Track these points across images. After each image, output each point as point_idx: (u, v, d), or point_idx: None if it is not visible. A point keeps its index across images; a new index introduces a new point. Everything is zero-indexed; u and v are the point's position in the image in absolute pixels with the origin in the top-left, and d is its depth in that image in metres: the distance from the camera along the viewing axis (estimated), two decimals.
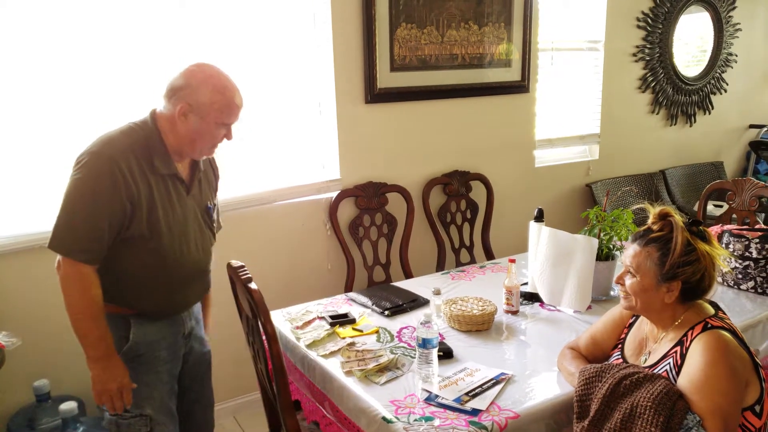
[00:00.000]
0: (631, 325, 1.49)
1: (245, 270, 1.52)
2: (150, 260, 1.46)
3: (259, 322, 1.46)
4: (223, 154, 2.41)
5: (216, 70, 1.45)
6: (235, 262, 1.56)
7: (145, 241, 1.43)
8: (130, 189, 1.38)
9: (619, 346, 1.48)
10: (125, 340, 1.48)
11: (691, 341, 1.26)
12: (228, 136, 1.50)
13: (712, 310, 1.34)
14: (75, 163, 1.38)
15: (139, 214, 1.40)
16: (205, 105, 1.41)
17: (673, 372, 1.27)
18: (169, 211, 1.46)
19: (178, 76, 1.44)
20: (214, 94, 1.41)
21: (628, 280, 1.36)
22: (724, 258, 1.36)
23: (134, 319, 1.50)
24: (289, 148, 2.58)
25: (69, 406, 1.91)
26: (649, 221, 1.37)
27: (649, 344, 1.40)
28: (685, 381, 1.23)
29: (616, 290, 1.99)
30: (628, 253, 1.37)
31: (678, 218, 1.32)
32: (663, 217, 1.35)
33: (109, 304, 1.46)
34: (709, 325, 1.27)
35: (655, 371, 1.30)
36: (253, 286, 1.45)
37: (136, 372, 1.49)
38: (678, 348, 1.29)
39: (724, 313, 1.36)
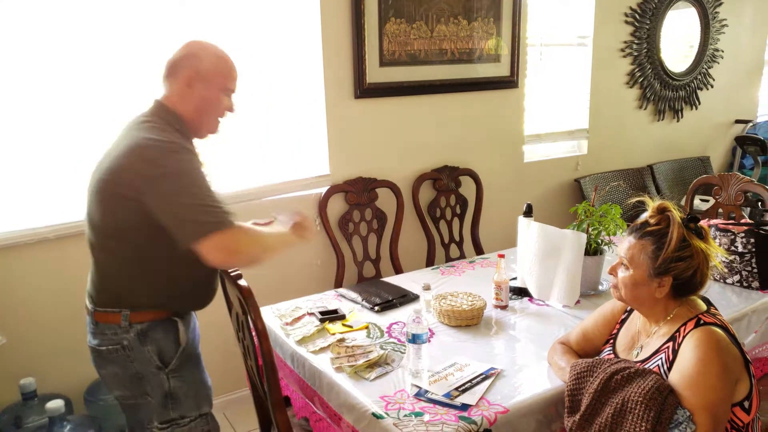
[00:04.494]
0: (623, 321, 1.50)
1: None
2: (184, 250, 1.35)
3: (249, 319, 1.46)
4: (212, 149, 2.40)
5: (209, 43, 1.47)
6: None
7: None
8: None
9: (611, 341, 1.49)
10: (177, 344, 1.45)
11: (684, 337, 1.27)
12: (230, 107, 1.51)
13: (704, 306, 1.34)
14: (156, 165, 1.28)
15: None
16: (209, 71, 1.42)
17: (665, 367, 1.28)
18: None
19: (176, 52, 1.44)
20: (216, 59, 1.44)
21: (621, 273, 1.36)
22: (719, 258, 1.36)
23: (180, 319, 1.47)
24: (278, 143, 2.57)
25: (56, 404, 1.89)
26: (647, 215, 1.37)
27: (642, 338, 1.40)
28: (676, 376, 1.23)
29: (605, 285, 2.02)
30: (624, 245, 1.37)
31: (676, 213, 1.32)
32: (661, 211, 1.34)
33: (156, 310, 1.42)
34: (702, 321, 1.28)
35: (646, 366, 1.31)
36: (242, 282, 1.44)
37: (192, 373, 1.48)
38: (670, 343, 1.30)
39: (716, 309, 1.36)
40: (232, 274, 1.48)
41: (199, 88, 1.43)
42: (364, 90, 2.66)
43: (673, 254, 1.28)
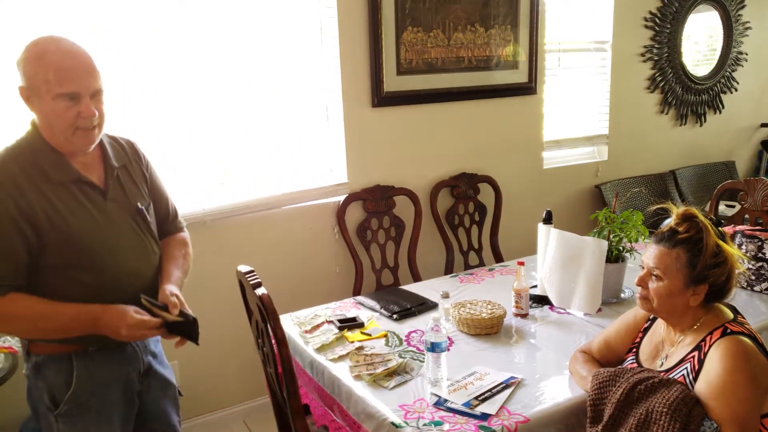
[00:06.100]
0: (646, 330, 1.47)
1: (254, 275, 1.52)
2: (84, 281, 1.27)
3: (269, 326, 1.47)
4: (231, 158, 2.44)
5: (42, 39, 1.23)
6: (244, 267, 1.56)
7: (72, 261, 1.26)
8: (22, 208, 1.19)
9: (634, 350, 1.47)
10: (67, 386, 1.28)
11: (710, 346, 1.24)
12: (83, 112, 1.23)
13: (731, 315, 1.32)
14: None
15: (47, 233, 1.22)
16: (32, 79, 1.20)
17: (690, 377, 1.26)
18: (85, 222, 1.27)
19: None
20: (35, 63, 1.20)
21: (652, 283, 1.32)
22: (740, 259, 1.34)
23: (78, 359, 1.30)
24: (296, 152, 2.59)
25: None
26: (672, 222, 1.33)
27: (666, 348, 1.38)
28: (703, 387, 1.21)
29: (627, 292, 1.98)
30: (652, 254, 1.33)
31: (705, 220, 1.30)
32: (687, 218, 1.31)
33: (52, 344, 1.29)
34: (729, 330, 1.25)
35: (671, 375, 1.29)
36: (262, 290, 1.46)
37: (85, 422, 1.30)
38: (696, 353, 1.27)
39: (744, 318, 1.33)
40: (251, 282, 1.49)
41: (35, 101, 1.23)
42: (382, 98, 2.67)
43: (710, 261, 1.26)
